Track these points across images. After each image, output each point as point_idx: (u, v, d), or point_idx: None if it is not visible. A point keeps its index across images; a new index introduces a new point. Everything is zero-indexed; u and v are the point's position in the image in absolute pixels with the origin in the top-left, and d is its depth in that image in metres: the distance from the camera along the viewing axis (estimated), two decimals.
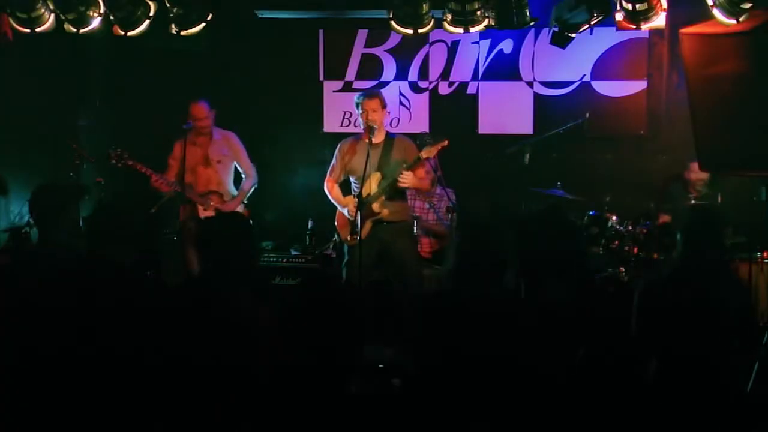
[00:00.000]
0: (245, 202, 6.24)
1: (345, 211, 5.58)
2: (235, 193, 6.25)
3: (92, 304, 2.79)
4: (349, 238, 5.49)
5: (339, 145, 5.75)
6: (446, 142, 5.37)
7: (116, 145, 5.97)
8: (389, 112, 5.73)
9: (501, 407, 2.48)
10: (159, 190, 5.98)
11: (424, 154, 5.35)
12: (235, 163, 6.28)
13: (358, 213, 5.24)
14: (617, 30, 6.18)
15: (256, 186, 6.31)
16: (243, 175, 6.31)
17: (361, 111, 5.47)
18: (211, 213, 6.00)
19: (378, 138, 5.49)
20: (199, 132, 6.09)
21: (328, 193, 5.70)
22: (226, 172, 6.23)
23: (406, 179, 5.36)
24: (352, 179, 5.65)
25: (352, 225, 5.42)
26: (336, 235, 5.93)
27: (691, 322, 2.26)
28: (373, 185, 5.43)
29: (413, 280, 5.54)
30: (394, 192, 5.48)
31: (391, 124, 5.83)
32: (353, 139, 5.70)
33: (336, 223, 5.71)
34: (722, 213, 4.33)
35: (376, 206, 5.44)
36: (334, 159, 5.73)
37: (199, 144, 6.13)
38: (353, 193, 5.61)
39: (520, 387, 2.48)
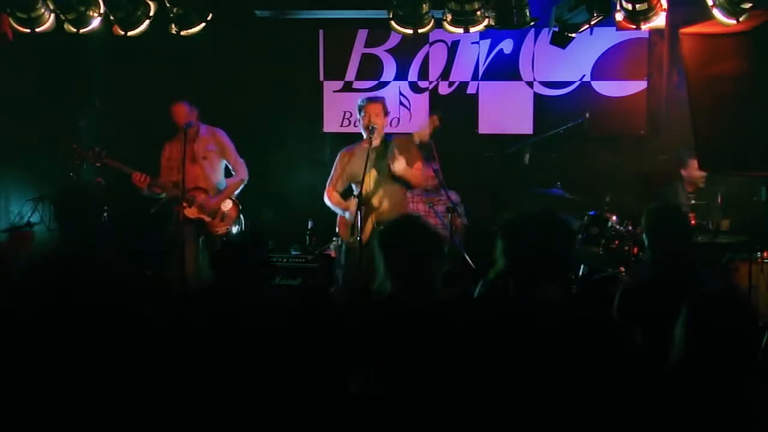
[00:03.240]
0: (233, 198, 6.18)
1: (346, 214, 5.55)
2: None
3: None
4: (351, 240, 5.48)
5: (339, 154, 5.75)
6: (435, 118, 5.40)
7: (95, 145, 5.99)
8: (390, 113, 5.73)
9: (500, 408, 2.48)
10: (140, 189, 5.94)
11: (416, 137, 5.34)
12: (224, 160, 6.24)
13: (358, 213, 5.24)
14: (617, 30, 6.18)
15: (245, 182, 6.23)
16: (233, 172, 6.27)
17: (363, 114, 5.47)
18: (195, 211, 5.97)
19: (376, 142, 5.48)
20: (182, 130, 5.98)
21: (328, 202, 5.68)
22: (213, 168, 6.15)
23: (399, 164, 5.32)
24: (354, 186, 5.64)
25: (353, 227, 5.41)
26: (338, 239, 5.91)
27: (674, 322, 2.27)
28: (370, 184, 5.42)
29: None
30: (391, 184, 5.43)
31: (391, 124, 5.83)
32: (352, 146, 5.70)
33: (337, 228, 5.70)
34: (681, 209, 4.35)
35: (375, 201, 5.41)
36: (333, 168, 5.72)
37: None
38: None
39: (518, 388, 2.48)
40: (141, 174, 5.89)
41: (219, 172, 6.20)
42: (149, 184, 5.93)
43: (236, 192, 6.19)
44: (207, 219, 6.01)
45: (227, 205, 6.12)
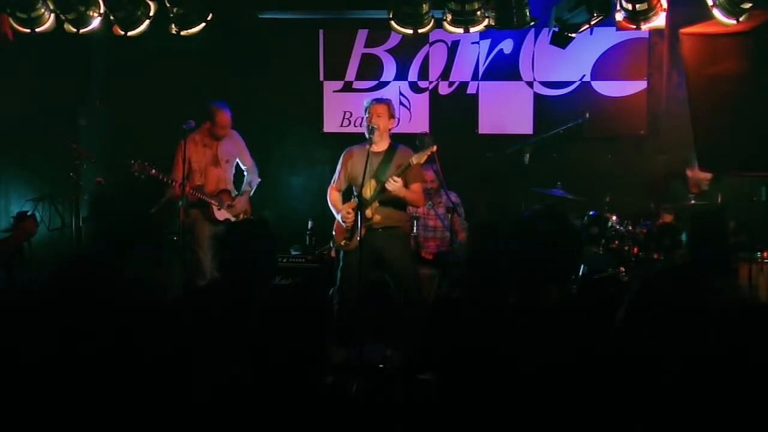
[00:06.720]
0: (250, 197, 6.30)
1: (338, 217, 5.57)
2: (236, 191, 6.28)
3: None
4: (343, 243, 5.51)
5: (342, 153, 5.76)
6: (435, 148, 5.37)
7: (137, 157, 5.85)
8: (394, 116, 5.70)
9: (501, 408, 2.48)
10: (177, 197, 5.87)
11: (414, 160, 5.34)
12: (237, 160, 6.30)
13: (358, 215, 5.24)
14: (617, 30, 6.18)
15: (259, 180, 6.37)
16: (245, 172, 6.33)
17: (367, 114, 5.49)
18: (225, 212, 6.05)
19: (381, 147, 5.49)
20: (216, 136, 6.09)
21: (328, 200, 5.71)
22: (232, 170, 6.27)
23: (394, 185, 5.32)
24: (354, 188, 5.64)
25: (351, 231, 5.42)
26: (332, 242, 5.90)
27: (685, 321, 2.27)
28: (368, 192, 5.44)
29: (409, 286, 5.53)
30: (387, 199, 5.44)
31: None
32: (356, 146, 5.70)
33: (333, 232, 5.70)
34: (727, 214, 4.35)
35: (368, 212, 5.42)
36: (337, 167, 5.74)
37: (209, 145, 6.12)
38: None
39: (519, 389, 2.48)
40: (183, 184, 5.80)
41: (232, 174, 6.29)
42: (195, 188, 5.96)
43: (252, 192, 6.32)
44: (233, 220, 6.12)
45: (247, 205, 6.25)
